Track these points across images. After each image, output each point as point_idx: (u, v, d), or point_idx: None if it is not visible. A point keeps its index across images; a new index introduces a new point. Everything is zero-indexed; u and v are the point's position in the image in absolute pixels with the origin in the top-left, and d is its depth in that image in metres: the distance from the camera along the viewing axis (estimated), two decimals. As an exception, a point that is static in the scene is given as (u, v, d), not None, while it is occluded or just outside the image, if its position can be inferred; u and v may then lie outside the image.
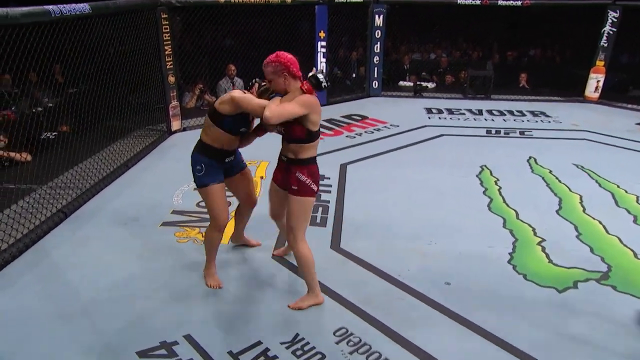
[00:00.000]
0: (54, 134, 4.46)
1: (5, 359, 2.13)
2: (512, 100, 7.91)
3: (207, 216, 3.46)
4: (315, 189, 2.44)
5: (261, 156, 5.01)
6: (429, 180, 4.43)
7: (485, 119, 6.81)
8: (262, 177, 4.46)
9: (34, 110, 4.46)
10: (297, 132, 2.40)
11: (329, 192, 4.16)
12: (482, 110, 7.33)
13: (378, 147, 5.41)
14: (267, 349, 2.27)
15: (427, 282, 2.83)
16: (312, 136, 2.42)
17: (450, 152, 5.29)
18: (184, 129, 6.07)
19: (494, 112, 7.21)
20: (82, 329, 2.36)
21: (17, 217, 3.20)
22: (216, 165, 2.59)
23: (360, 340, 2.35)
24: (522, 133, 6.11)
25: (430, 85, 8.76)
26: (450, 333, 2.41)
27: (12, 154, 4.05)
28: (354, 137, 5.87)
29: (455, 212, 3.77)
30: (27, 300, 2.57)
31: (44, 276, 2.81)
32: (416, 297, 2.69)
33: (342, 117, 6.83)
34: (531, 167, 4.79)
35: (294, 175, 2.43)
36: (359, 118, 6.79)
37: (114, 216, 3.62)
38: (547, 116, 6.93)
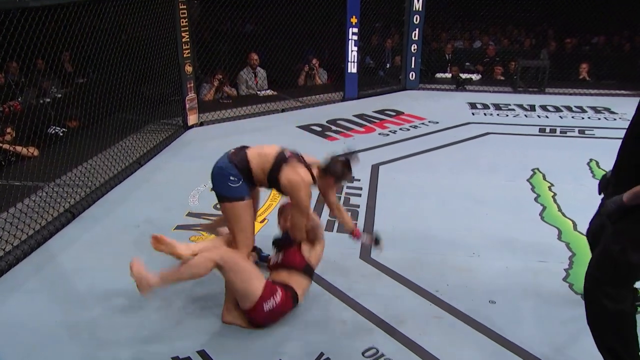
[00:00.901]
0: (62, 130, 4.61)
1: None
2: (571, 94, 7.69)
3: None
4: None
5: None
6: (472, 185, 4.36)
7: (539, 116, 6.65)
8: (284, 178, 4.49)
9: (41, 101, 4.61)
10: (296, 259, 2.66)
11: (359, 195, 4.14)
12: (534, 105, 7.16)
13: (414, 147, 5.36)
14: (288, 369, 2.27)
15: (469, 299, 2.78)
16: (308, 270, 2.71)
17: (497, 153, 5.19)
18: (202, 124, 6.16)
19: (548, 107, 7.03)
20: (89, 340, 2.42)
21: (22, 217, 3.31)
22: (245, 180, 2.65)
23: (392, 363, 2.32)
24: (581, 132, 5.93)
25: (475, 77, 8.60)
26: (495, 358, 2.35)
27: (19, 149, 4.20)
28: (388, 134, 5.84)
29: (501, 222, 3.69)
30: (34, 306, 2.65)
31: (51, 281, 2.90)
32: (456, 317, 2.64)
33: (375, 112, 6.81)
34: (592, 171, 4.64)
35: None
36: (394, 114, 6.75)
37: (124, 218, 3.70)
38: (612, 113, 6.69)
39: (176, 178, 4.46)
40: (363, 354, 2.38)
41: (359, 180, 4.44)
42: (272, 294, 2.46)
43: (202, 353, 2.35)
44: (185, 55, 5.71)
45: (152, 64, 5.09)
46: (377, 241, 2.95)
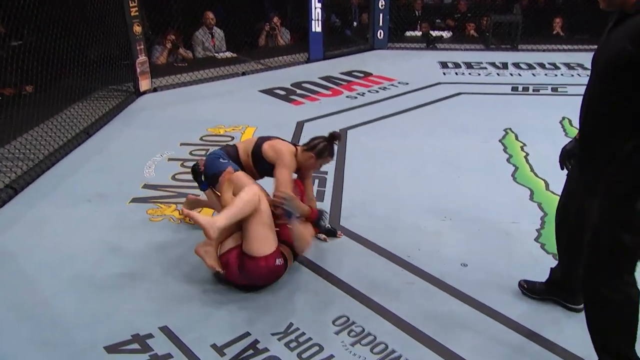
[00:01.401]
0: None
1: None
2: (544, 50, 7.84)
3: (185, 191, 3.46)
4: None
5: (246, 121, 4.99)
6: (443, 147, 4.43)
7: (511, 74, 6.76)
8: (247, 145, 4.44)
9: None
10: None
11: (327, 161, 4.15)
12: (507, 63, 7.27)
13: (384, 109, 5.39)
14: (256, 341, 2.30)
15: (441, 264, 2.86)
16: None
17: (469, 113, 5.27)
18: (155, 90, 6.00)
19: (521, 65, 7.15)
20: (42, 323, 2.37)
21: (-43, 195, 3.18)
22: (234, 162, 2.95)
23: (364, 330, 2.38)
24: (554, 90, 6.08)
25: (446, 34, 8.63)
26: (468, 322, 2.44)
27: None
28: (356, 97, 5.84)
29: (473, 184, 3.78)
30: (-24, 290, 2.58)
31: (-6, 262, 2.81)
32: (428, 282, 2.72)
33: (342, 73, 6.77)
34: (565, 130, 4.78)
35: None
36: (362, 75, 6.74)
37: (74, 192, 3.60)
38: (585, 69, 6.87)
39: (129, 148, 4.35)
40: (333, 322, 2.43)
41: (327, 145, 4.44)
42: (281, 253, 2.59)
43: (164, 329, 2.35)
44: (132, 14, 5.49)
45: (97, 24, 4.88)
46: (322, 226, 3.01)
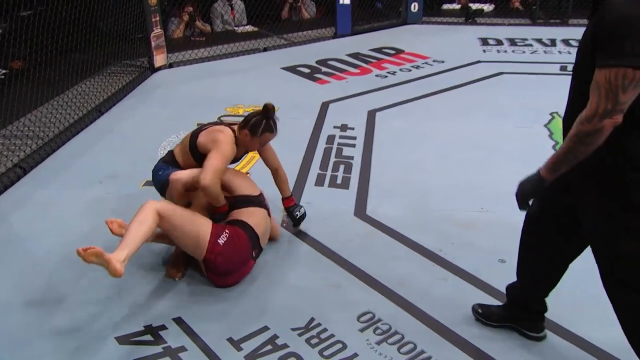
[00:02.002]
0: (3, 72, 4.47)
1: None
2: (595, 27, 7.58)
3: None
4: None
5: (267, 99, 4.98)
6: (482, 132, 4.35)
7: (560, 52, 6.58)
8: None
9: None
10: None
11: (353, 146, 4.13)
12: (555, 40, 7.07)
13: (416, 90, 5.32)
14: (275, 336, 2.31)
15: (476, 259, 2.81)
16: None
17: (511, 95, 5.16)
18: (171, 65, 6.04)
19: (571, 42, 6.94)
20: (51, 311, 2.43)
21: (-37, 174, 3.27)
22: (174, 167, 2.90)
23: (391, 328, 2.37)
24: (606, 71, 5.88)
25: (487, 7, 8.42)
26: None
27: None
28: (386, 76, 5.78)
29: (515, 173, 3.63)
30: (-16, 273, 2.65)
31: (1, 246, 2.88)
32: (462, 278, 2.68)
33: (371, 50, 6.70)
34: (617, 116, 4.63)
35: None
36: (393, 52, 6.65)
37: (84, 173, 3.66)
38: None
39: (143, 127, 4.40)
40: (358, 319, 2.42)
41: (353, 128, 4.42)
42: (222, 230, 2.54)
43: (177, 320, 2.38)
44: (148, -16, 5.50)
45: (109, -6, 4.91)
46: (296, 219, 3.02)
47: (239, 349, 2.24)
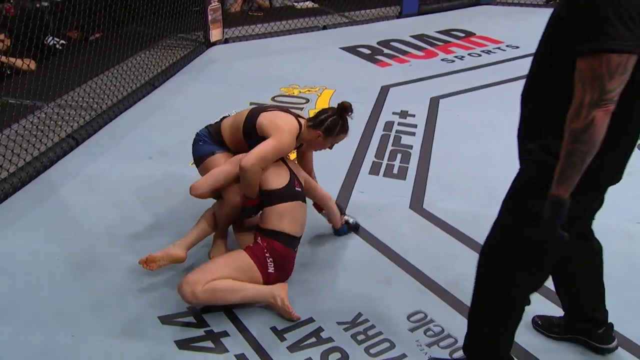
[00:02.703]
0: (61, 42, 4.65)
1: (10, 311, 2.34)
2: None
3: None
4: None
5: (324, 82, 4.98)
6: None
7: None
8: (323, 109, 4.44)
9: (37, 4, 4.65)
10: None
11: (412, 134, 4.07)
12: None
13: (485, 77, 5.18)
14: (320, 329, 2.32)
15: (543, 263, 2.72)
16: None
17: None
18: (226, 41, 6.12)
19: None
20: (94, 283, 2.53)
21: (19, 140, 3.43)
22: (216, 143, 2.78)
23: (443, 330, 2.33)
24: None
25: (570, -10, 8.07)
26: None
27: (14, 60, 4.29)
28: (453, 61, 5.65)
29: (591, 172, 3.56)
30: (34, 242, 2.79)
31: (52, 216, 3.02)
32: (525, 283, 2.60)
33: (438, 32, 6.56)
34: None
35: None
36: (462, 35, 6.50)
37: (135, 148, 3.78)
38: None
39: (196, 104, 4.48)
40: (408, 318, 2.39)
41: (414, 115, 4.35)
42: (263, 255, 2.41)
43: (222, 306, 2.42)
44: (207, -46, 5.58)
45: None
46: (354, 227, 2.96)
47: (283, 339, 2.27)
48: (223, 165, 2.59)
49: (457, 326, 2.35)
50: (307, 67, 5.46)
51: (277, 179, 2.53)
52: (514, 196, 1.92)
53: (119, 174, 3.44)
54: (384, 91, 4.85)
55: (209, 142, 2.74)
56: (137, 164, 3.57)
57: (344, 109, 2.65)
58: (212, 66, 5.44)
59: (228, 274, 2.33)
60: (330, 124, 2.63)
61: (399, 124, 4.22)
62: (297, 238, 2.54)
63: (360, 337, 2.28)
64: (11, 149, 3.31)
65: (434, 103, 4.60)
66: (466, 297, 2.49)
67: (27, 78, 4.16)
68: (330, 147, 2.75)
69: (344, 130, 2.68)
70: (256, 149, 2.47)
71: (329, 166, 3.60)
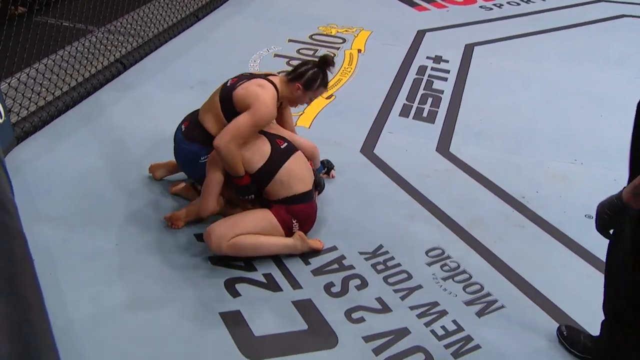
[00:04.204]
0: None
1: (62, 218, 2.43)
2: None
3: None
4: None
5: (361, 22, 4.81)
6: (591, 79, 4.03)
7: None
8: (359, 51, 4.31)
9: None
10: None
11: (445, 79, 3.95)
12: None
13: (523, 26, 4.93)
14: (342, 257, 2.35)
15: (561, 211, 2.68)
16: None
17: (630, 41, 4.70)
18: (269, -23, 5.91)
19: None
20: (137, 199, 2.59)
21: (72, 62, 3.45)
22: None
23: (459, 266, 2.34)
24: None
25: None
26: (580, 278, 2.30)
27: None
28: (491, 8, 5.38)
29: (620, 126, 3.36)
30: (82, 158, 2.84)
31: (101, 135, 3.06)
32: (542, 228, 2.57)
33: (479, -22, 6.20)
34: None
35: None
36: (503, -18, 6.12)
37: (177, 76, 3.76)
38: None
39: (237, 38, 4.41)
40: (427, 253, 2.40)
41: (447, 61, 4.20)
42: (288, 218, 2.31)
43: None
44: None
45: None
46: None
47: (307, 263, 2.31)
48: (208, 174, 2.32)
49: (472, 263, 2.36)
50: (345, 7, 5.26)
51: (259, 154, 2.29)
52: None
53: (162, 100, 3.44)
54: (420, 35, 4.67)
55: (207, 153, 2.36)
56: (179, 92, 3.56)
57: (325, 62, 2.43)
58: (254, 1, 5.29)
59: (253, 230, 2.25)
60: (311, 77, 2.39)
61: (432, 68, 4.09)
62: (312, 188, 2.39)
63: (380, 267, 2.31)
64: (64, 69, 3.34)
65: (469, 50, 4.42)
66: (483, 238, 2.50)
67: (80, 2, 4.14)
68: (308, 102, 2.55)
69: (324, 83, 2.45)
70: (230, 125, 2.23)
71: (360, 106, 3.55)
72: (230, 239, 2.19)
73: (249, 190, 2.31)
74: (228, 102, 2.31)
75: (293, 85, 2.40)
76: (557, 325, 2.04)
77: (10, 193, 1.83)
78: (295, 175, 2.32)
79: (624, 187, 1.49)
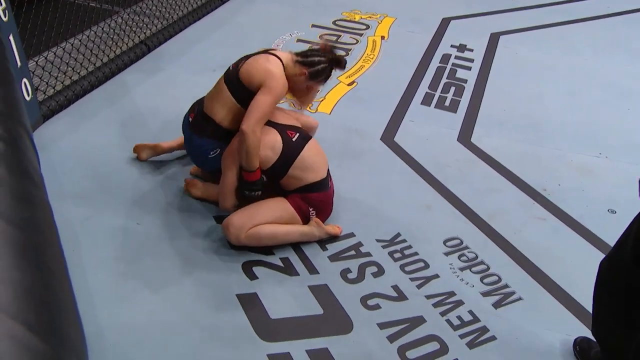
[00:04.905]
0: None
1: (85, 197, 2.46)
2: None
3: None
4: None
5: (385, 9, 4.75)
6: (618, 72, 3.93)
7: None
8: (383, 38, 4.26)
9: None
10: None
11: (469, 68, 3.88)
12: None
13: (550, 16, 4.82)
14: (359, 244, 2.34)
15: (583, 205, 2.63)
16: None
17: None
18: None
19: None
20: (159, 181, 2.60)
21: (97, 42, 3.47)
22: (223, 141, 2.36)
23: (477, 257, 2.31)
24: None
25: None
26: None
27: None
28: (519, -4, 5.25)
29: (646, 121, 3.34)
30: (106, 137, 2.87)
31: (124, 115, 3.08)
32: (563, 221, 2.53)
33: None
34: None
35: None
36: (531, -29, 5.98)
37: (201, 59, 3.76)
38: None
39: (260, 22, 4.38)
40: (445, 242, 2.38)
41: (472, 50, 4.12)
42: (306, 208, 2.30)
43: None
44: None
45: None
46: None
47: (324, 248, 2.31)
48: (224, 172, 2.30)
49: (490, 255, 2.34)
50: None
51: (271, 150, 2.24)
52: None
53: (185, 83, 3.45)
54: (445, 23, 4.59)
55: (216, 148, 2.36)
56: (202, 74, 3.55)
57: (338, 63, 2.34)
58: (279, -14, 5.25)
59: (271, 220, 2.23)
60: (320, 69, 2.30)
61: (456, 57, 4.02)
62: (327, 176, 2.36)
63: (397, 255, 2.30)
64: (90, 49, 3.37)
65: (494, 39, 4.33)
66: (502, 229, 2.47)
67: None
68: (301, 91, 2.38)
69: (325, 80, 2.37)
70: (251, 109, 2.18)
71: (381, 93, 3.51)
72: (248, 230, 2.18)
73: (257, 186, 2.25)
74: (237, 84, 2.27)
75: (300, 69, 2.30)
76: (575, 319, 2.01)
77: (37, 163, 1.85)
78: (309, 166, 2.29)
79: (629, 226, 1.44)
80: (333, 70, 2.36)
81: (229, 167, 2.28)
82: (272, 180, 2.32)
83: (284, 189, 2.32)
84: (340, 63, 2.35)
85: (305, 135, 2.37)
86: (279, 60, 2.29)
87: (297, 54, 2.35)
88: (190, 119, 2.43)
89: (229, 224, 2.20)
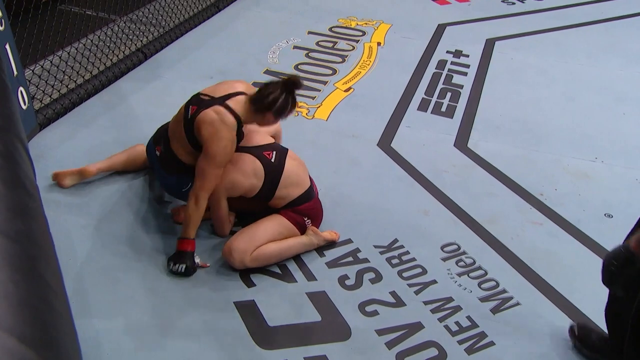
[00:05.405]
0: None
1: (83, 205, 2.45)
2: None
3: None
4: None
5: (382, 16, 4.77)
6: (613, 77, 3.96)
7: None
8: (379, 44, 4.27)
9: None
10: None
11: (464, 74, 3.89)
12: None
13: (545, 21, 4.84)
14: (357, 250, 2.33)
15: (580, 209, 2.64)
16: None
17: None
18: (289, -31, 5.87)
19: None
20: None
21: (94, 50, 3.47)
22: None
23: (475, 262, 2.31)
24: None
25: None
26: (598, 277, 2.24)
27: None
28: (514, 3, 5.29)
29: (641, 125, 3.35)
30: (104, 145, 2.86)
31: (120, 123, 3.08)
32: (560, 225, 2.54)
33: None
34: None
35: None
36: (526, -23, 6.01)
37: (198, 66, 3.76)
38: None
39: (256, 29, 4.39)
40: (442, 248, 2.38)
41: (468, 56, 4.14)
42: (302, 220, 2.30)
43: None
44: None
45: None
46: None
47: (322, 255, 2.30)
48: (213, 206, 2.26)
49: (488, 260, 2.33)
50: (366, 0, 5.21)
51: (255, 177, 2.22)
52: None
53: (182, 90, 3.43)
54: (440, 29, 4.61)
55: (188, 182, 2.30)
56: (199, 81, 3.54)
57: (293, 85, 2.19)
58: (275, -7, 5.27)
59: (272, 238, 2.21)
60: (281, 105, 2.17)
61: (452, 63, 4.03)
62: (310, 186, 2.35)
63: (395, 261, 2.29)
64: (87, 57, 3.37)
65: (490, 45, 4.35)
66: (500, 234, 2.46)
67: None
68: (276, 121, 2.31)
69: (294, 107, 2.24)
70: (198, 176, 2.14)
71: (378, 99, 3.52)
72: (251, 253, 2.15)
73: (185, 259, 2.12)
74: (190, 129, 2.21)
75: (267, 116, 2.20)
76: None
77: (32, 175, 1.84)
78: (294, 181, 2.28)
79: (630, 234, 1.41)
80: (294, 95, 2.21)
81: (217, 201, 2.23)
82: (261, 204, 2.29)
83: (274, 208, 2.29)
84: (296, 84, 2.20)
85: (281, 150, 2.32)
86: (232, 119, 2.16)
87: (251, 101, 2.20)
88: (157, 153, 2.39)
89: (232, 249, 2.14)
